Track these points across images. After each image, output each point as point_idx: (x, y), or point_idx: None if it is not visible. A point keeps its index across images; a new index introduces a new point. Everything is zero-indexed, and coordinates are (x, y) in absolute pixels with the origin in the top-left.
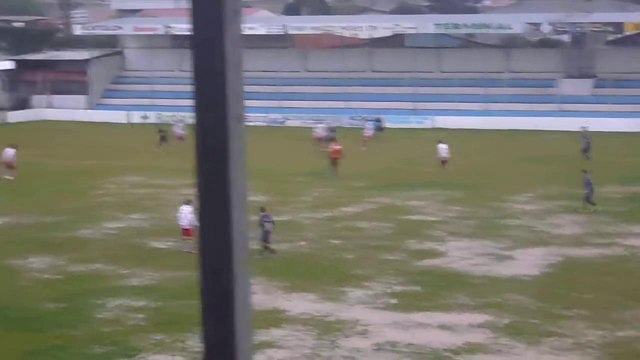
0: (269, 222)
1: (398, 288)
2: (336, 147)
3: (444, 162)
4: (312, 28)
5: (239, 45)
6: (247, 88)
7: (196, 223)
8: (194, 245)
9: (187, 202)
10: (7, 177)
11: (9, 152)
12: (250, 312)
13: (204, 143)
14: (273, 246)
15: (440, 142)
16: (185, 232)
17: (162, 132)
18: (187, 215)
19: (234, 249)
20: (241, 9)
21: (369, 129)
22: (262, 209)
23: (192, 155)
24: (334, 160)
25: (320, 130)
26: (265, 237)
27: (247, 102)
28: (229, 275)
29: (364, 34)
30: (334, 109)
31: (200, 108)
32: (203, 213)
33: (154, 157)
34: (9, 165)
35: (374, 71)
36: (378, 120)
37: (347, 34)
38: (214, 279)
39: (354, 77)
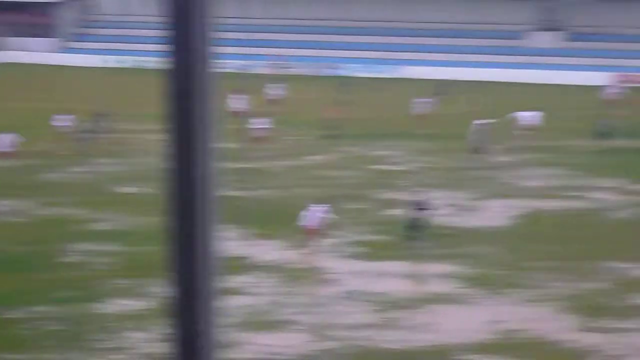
0: None
1: (365, 237)
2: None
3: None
4: None
5: None
6: (219, 34)
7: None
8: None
9: (322, 202)
10: None
11: None
12: (213, 255)
13: (172, 85)
14: None
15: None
16: (309, 231)
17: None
18: (316, 214)
19: (197, 192)
20: None
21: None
22: None
23: None
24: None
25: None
26: None
27: (219, 48)
28: (192, 218)
29: None
30: (303, 57)
31: (171, 49)
32: (169, 155)
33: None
34: None
35: (343, 19)
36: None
37: None
38: (179, 222)
39: (325, 25)
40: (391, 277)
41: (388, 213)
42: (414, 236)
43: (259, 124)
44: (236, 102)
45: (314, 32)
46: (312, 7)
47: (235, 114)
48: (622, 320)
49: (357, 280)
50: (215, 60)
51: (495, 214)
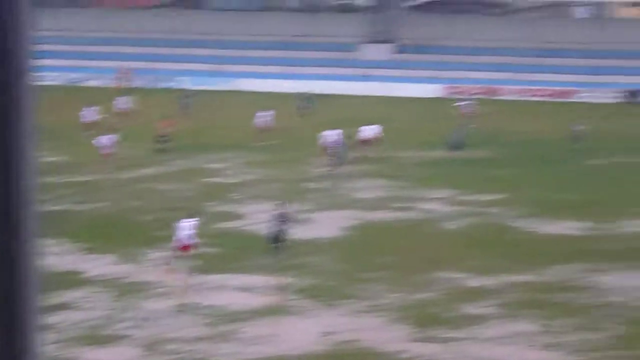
0: None
1: (198, 250)
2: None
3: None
4: None
5: None
6: (45, 47)
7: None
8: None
9: (190, 216)
10: None
11: None
12: (36, 271)
13: None
14: None
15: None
16: (183, 248)
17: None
18: (185, 230)
19: (14, 207)
20: None
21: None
22: None
23: None
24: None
25: None
26: None
27: (45, 61)
28: (10, 233)
29: None
30: (138, 70)
31: None
32: None
33: None
34: None
35: (176, 32)
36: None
37: None
38: None
39: (157, 38)
40: (227, 289)
41: (223, 226)
42: (275, 248)
43: (103, 137)
44: (84, 115)
45: (146, 45)
46: (144, 20)
47: (84, 126)
48: (455, 329)
49: (193, 294)
50: (37, 73)
51: (329, 225)
